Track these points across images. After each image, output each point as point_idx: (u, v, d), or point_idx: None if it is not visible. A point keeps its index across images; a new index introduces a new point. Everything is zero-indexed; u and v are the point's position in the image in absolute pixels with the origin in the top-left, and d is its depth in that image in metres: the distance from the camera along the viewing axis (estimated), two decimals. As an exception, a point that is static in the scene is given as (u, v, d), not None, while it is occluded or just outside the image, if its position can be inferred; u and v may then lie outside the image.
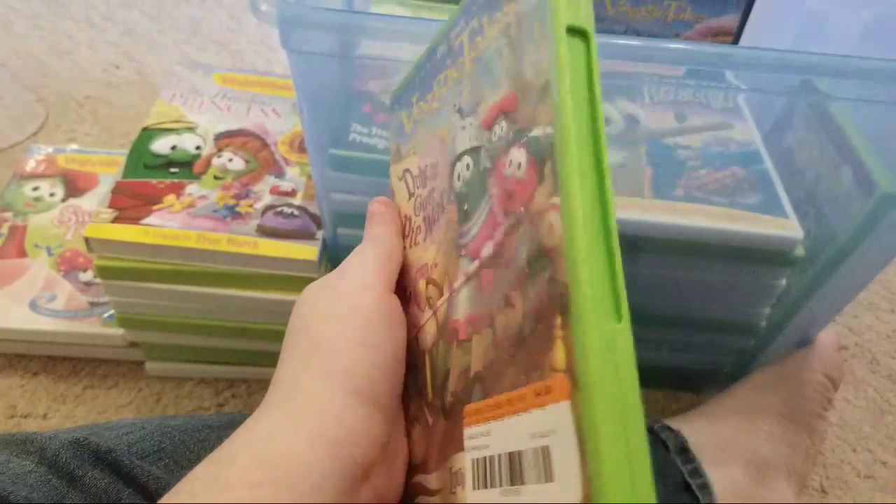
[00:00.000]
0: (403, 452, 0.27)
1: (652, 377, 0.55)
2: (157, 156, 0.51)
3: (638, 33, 0.50)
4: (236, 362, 0.53)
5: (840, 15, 0.51)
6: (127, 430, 0.35)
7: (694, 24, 0.51)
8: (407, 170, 0.33)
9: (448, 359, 0.25)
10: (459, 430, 0.23)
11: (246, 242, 0.45)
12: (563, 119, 0.19)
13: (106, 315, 0.52)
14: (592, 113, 0.19)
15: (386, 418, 0.26)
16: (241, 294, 0.47)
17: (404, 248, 0.31)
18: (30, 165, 0.63)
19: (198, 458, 0.34)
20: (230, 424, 0.38)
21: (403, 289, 0.30)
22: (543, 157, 0.20)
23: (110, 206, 0.47)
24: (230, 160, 0.51)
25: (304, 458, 0.22)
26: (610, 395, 0.16)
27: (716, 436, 0.45)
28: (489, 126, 0.24)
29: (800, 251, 0.42)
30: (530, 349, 0.19)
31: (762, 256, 0.42)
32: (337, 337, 0.25)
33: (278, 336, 0.27)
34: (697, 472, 0.43)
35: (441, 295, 0.27)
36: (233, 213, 0.47)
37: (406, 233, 0.32)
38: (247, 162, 0.51)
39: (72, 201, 0.60)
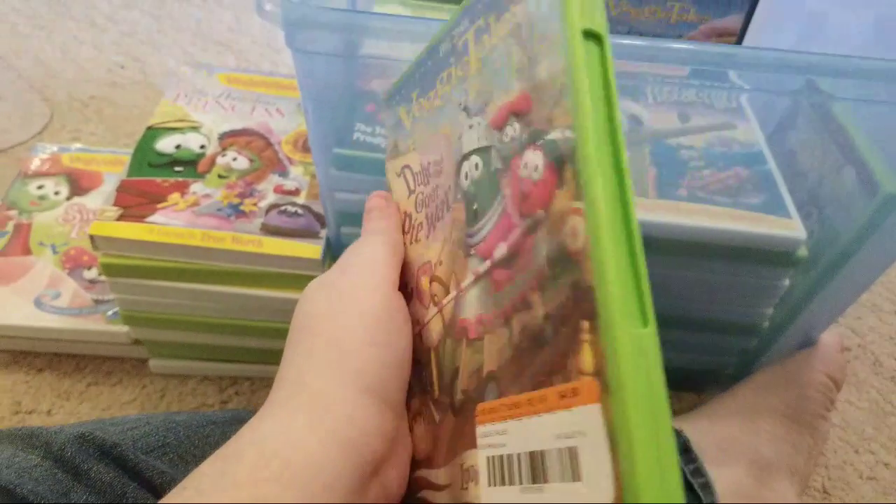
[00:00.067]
0: (408, 447, 0.27)
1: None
2: (162, 154, 0.51)
3: (641, 34, 0.50)
4: (240, 360, 0.53)
5: (841, 15, 0.51)
6: (132, 425, 0.35)
7: (698, 24, 0.51)
8: (406, 166, 0.33)
9: (456, 357, 0.26)
10: (471, 427, 0.23)
11: (250, 241, 0.45)
12: (582, 124, 0.19)
13: (110, 312, 0.52)
14: (610, 116, 0.20)
15: (395, 415, 0.26)
16: (244, 292, 0.47)
17: (404, 244, 0.31)
18: (34, 164, 0.63)
19: (202, 454, 0.34)
20: (234, 420, 0.38)
21: (405, 285, 0.30)
22: (563, 161, 0.20)
23: (115, 205, 0.47)
24: (234, 159, 0.51)
25: (316, 458, 0.22)
26: (641, 399, 0.16)
27: (718, 436, 0.46)
28: (500, 126, 0.25)
29: (803, 252, 0.42)
30: (553, 351, 0.20)
31: (765, 257, 0.42)
32: (346, 336, 0.25)
33: (282, 334, 0.27)
34: (699, 472, 0.43)
35: (447, 293, 0.27)
36: (237, 211, 0.47)
37: (406, 229, 0.32)
38: (251, 161, 0.51)
39: (76, 200, 0.60)
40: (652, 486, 0.16)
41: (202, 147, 0.52)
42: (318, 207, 0.48)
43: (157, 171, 0.50)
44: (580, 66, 0.20)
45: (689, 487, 0.42)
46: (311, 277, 0.30)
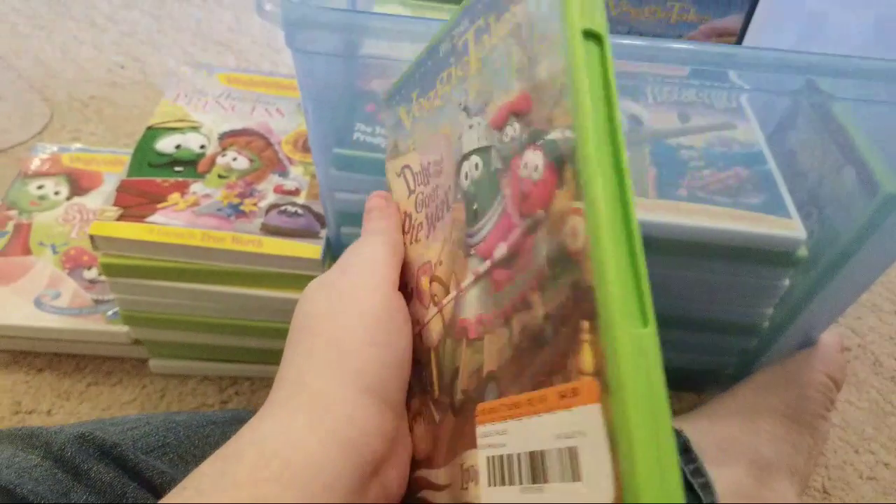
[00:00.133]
0: (408, 446, 0.27)
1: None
2: (162, 154, 0.51)
3: (641, 34, 0.50)
4: (240, 360, 0.53)
5: (841, 16, 0.51)
6: (132, 425, 0.35)
7: (697, 24, 0.51)
8: (406, 166, 0.33)
9: (456, 357, 0.26)
10: (471, 427, 0.23)
11: (250, 241, 0.45)
12: (582, 124, 0.19)
13: (110, 312, 0.52)
14: (610, 117, 0.20)
15: (395, 415, 0.26)
16: (244, 292, 0.47)
17: (405, 244, 0.31)
18: (34, 164, 0.63)
19: (202, 454, 0.34)
20: (234, 420, 0.38)
21: (405, 284, 0.30)
22: (563, 161, 0.20)
23: (115, 204, 0.47)
24: (234, 159, 0.51)
25: (316, 458, 0.22)
26: (641, 399, 0.16)
27: (718, 436, 0.46)
28: (500, 126, 0.25)
29: (803, 252, 0.42)
30: (553, 351, 0.20)
31: (765, 257, 0.42)
32: (346, 335, 0.25)
33: (282, 334, 0.27)
34: (699, 472, 0.43)
35: (447, 293, 0.27)
36: (237, 211, 0.47)
37: (406, 229, 0.32)
38: (251, 161, 0.51)
39: (76, 200, 0.60)
40: (652, 486, 0.16)
41: (202, 147, 0.52)
42: (318, 207, 0.48)
43: (157, 171, 0.50)
44: (580, 66, 0.20)
45: (689, 487, 0.42)
46: (311, 277, 0.30)
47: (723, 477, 0.43)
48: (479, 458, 0.22)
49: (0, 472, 0.30)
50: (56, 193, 0.60)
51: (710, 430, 0.46)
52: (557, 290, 0.20)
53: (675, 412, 0.54)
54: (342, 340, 0.25)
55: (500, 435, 0.22)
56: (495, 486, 0.21)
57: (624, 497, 0.16)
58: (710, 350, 0.51)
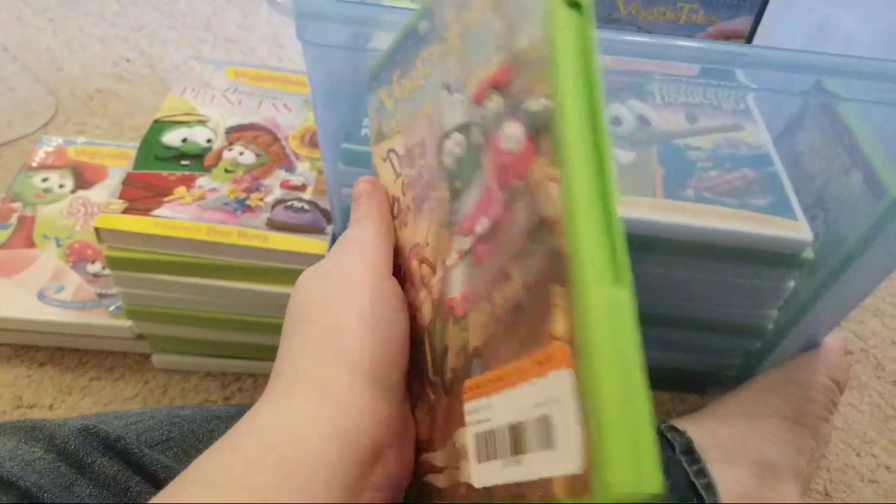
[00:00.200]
0: (412, 432, 0.27)
1: (658, 378, 0.55)
2: (169, 148, 0.51)
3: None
4: (243, 356, 0.53)
5: (851, 22, 0.51)
6: (136, 418, 0.35)
7: (706, 26, 0.51)
8: (392, 149, 0.32)
9: (445, 336, 0.25)
10: (460, 405, 0.23)
11: (256, 236, 0.45)
12: (561, 92, 0.19)
13: (113, 307, 0.52)
14: (589, 84, 0.19)
15: (395, 400, 0.25)
16: (249, 287, 0.47)
17: (395, 228, 0.31)
18: (39, 156, 0.63)
19: (206, 448, 0.34)
20: (239, 415, 0.38)
21: (398, 268, 0.30)
22: (541, 130, 0.20)
23: (121, 197, 0.47)
24: (241, 154, 0.51)
25: (313, 448, 0.22)
26: (611, 361, 0.16)
27: (721, 436, 0.45)
28: (480, 101, 0.24)
29: (809, 254, 0.42)
30: (529, 320, 0.19)
31: (771, 258, 0.42)
32: (340, 322, 0.25)
33: (286, 330, 0.27)
34: (703, 473, 0.43)
35: (434, 273, 0.27)
36: (243, 206, 0.47)
37: (395, 213, 0.31)
38: (257, 156, 0.51)
39: (81, 193, 0.60)
40: (621, 452, 0.15)
41: (209, 141, 0.52)
42: (324, 203, 0.48)
43: (163, 165, 0.50)
44: (560, 33, 0.19)
45: (692, 488, 0.42)
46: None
47: (726, 478, 0.43)
48: (468, 436, 0.22)
49: (3, 465, 0.30)
50: (61, 186, 0.60)
51: (713, 430, 0.46)
52: (534, 259, 0.19)
53: (679, 413, 0.54)
54: (337, 327, 0.25)
55: (486, 410, 0.21)
56: (483, 462, 0.21)
57: (594, 464, 0.15)
58: (714, 351, 0.51)
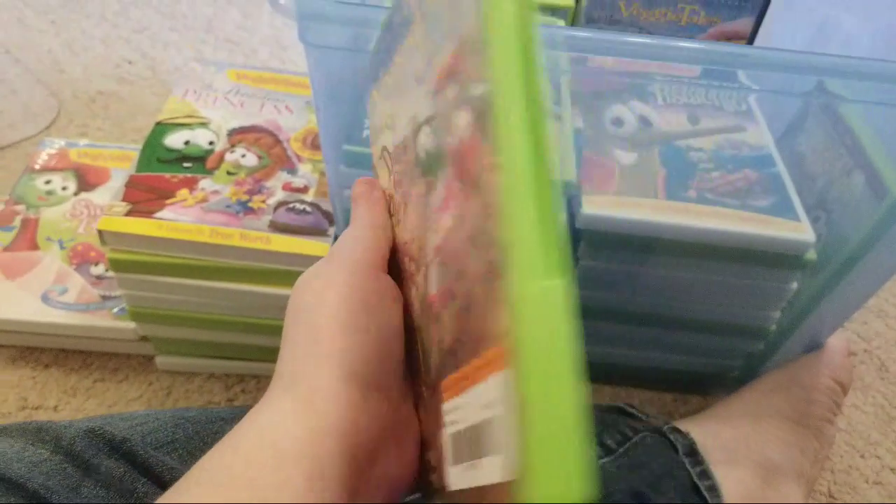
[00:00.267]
0: (414, 431, 0.27)
1: (661, 379, 0.55)
2: (171, 150, 0.51)
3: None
4: (247, 357, 0.53)
5: (852, 23, 0.51)
6: (141, 420, 0.35)
7: (707, 27, 0.51)
8: (384, 147, 0.32)
9: (429, 334, 0.25)
10: (440, 405, 0.23)
11: (258, 238, 0.45)
12: (495, 71, 0.18)
13: (117, 309, 0.52)
14: (526, 62, 0.18)
15: (388, 400, 0.25)
16: (252, 289, 0.47)
17: (392, 226, 0.31)
18: (42, 159, 0.63)
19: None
20: (243, 417, 0.38)
21: (395, 266, 0.30)
22: (483, 115, 0.19)
23: (124, 200, 0.47)
24: (243, 156, 0.51)
25: (306, 447, 0.22)
26: (538, 361, 0.15)
27: (724, 438, 0.45)
28: (441, 90, 0.23)
29: (811, 255, 0.42)
30: (482, 317, 0.19)
31: (773, 259, 0.42)
32: (331, 323, 0.25)
33: (289, 331, 0.27)
34: (706, 474, 0.43)
35: (419, 271, 0.27)
36: (245, 208, 0.47)
37: (392, 212, 0.31)
38: (260, 158, 0.51)
39: (84, 195, 0.60)
40: (547, 462, 0.14)
41: (211, 143, 0.52)
42: (326, 205, 0.48)
43: (165, 167, 0.50)
44: (495, 12, 0.18)
45: (695, 489, 0.42)
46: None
47: (729, 479, 0.43)
48: (446, 437, 0.22)
49: (10, 466, 0.30)
50: (63, 189, 0.61)
51: (716, 432, 0.46)
52: (484, 252, 0.19)
53: (682, 415, 0.54)
54: (322, 328, 0.25)
55: (456, 411, 0.21)
56: (455, 465, 0.21)
57: (524, 470, 0.15)
58: (717, 353, 0.51)
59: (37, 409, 0.52)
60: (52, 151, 0.64)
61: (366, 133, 0.44)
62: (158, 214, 0.46)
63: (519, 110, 0.18)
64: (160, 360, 0.54)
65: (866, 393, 0.58)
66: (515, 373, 0.15)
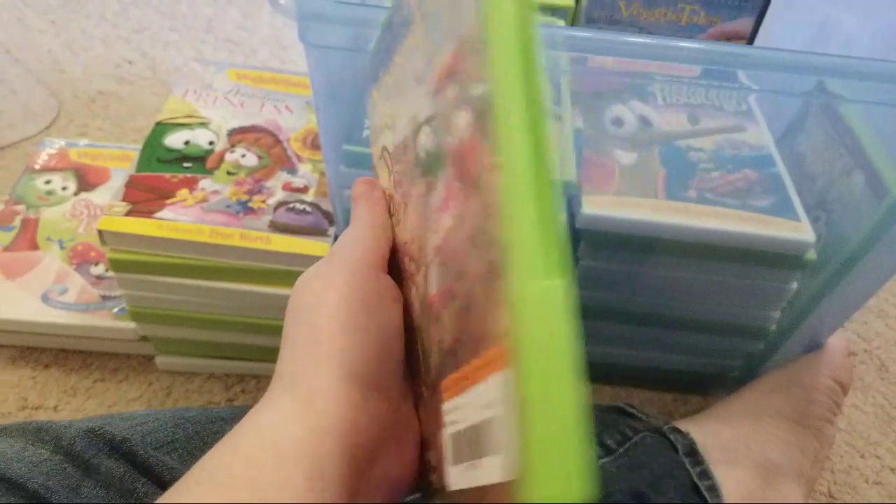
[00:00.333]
0: (413, 430, 0.27)
1: (661, 379, 0.55)
2: (171, 150, 0.51)
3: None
4: (247, 357, 0.53)
5: (852, 22, 0.51)
6: (141, 420, 0.35)
7: (707, 27, 0.51)
8: (384, 147, 0.32)
9: (429, 334, 0.25)
10: (440, 405, 0.23)
11: (258, 238, 0.45)
12: (495, 71, 0.18)
13: (117, 309, 0.52)
14: (526, 62, 0.18)
15: (388, 400, 0.25)
16: (252, 289, 0.47)
17: (393, 227, 0.31)
18: (42, 159, 0.63)
19: (211, 450, 0.34)
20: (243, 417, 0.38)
21: (396, 266, 0.30)
22: (483, 115, 0.19)
23: (124, 200, 0.47)
24: (243, 156, 0.51)
25: (304, 447, 0.22)
26: (538, 361, 0.15)
27: (724, 438, 0.45)
28: (440, 91, 0.23)
29: (811, 255, 0.42)
30: (483, 317, 0.19)
31: (773, 259, 0.42)
32: (331, 323, 0.25)
33: (289, 331, 0.27)
34: (706, 474, 0.43)
35: (419, 271, 0.27)
36: (245, 208, 0.47)
37: (392, 212, 0.31)
38: (260, 158, 0.51)
39: (84, 195, 0.60)
40: (546, 462, 0.14)
41: (211, 143, 0.52)
42: (326, 205, 0.48)
43: (165, 167, 0.50)
44: (496, 11, 0.18)
45: (695, 489, 0.42)
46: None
47: (729, 479, 0.43)
48: (446, 437, 0.22)
49: (10, 466, 0.30)
50: (63, 189, 0.61)
51: (716, 432, 0.46)
52: (485, 251, 0.19)
53: (682, 415, 0.54)
54: (322, 328, 0.25)
55: (456, 411, 0.21)
56: (455, 465, 0.21)
57: (524, 469, 0.15)
58: (717, 353, 0.51)
59: (37, 409, 0.52)
60: (52, 151, 0.64)
61: (366, 133, 0.44)
62: (158, 214, 0.46)
63: (519, 110, 0.18)
64: (160, 360, 0.54)
65: (866, 393, 0.58)
66: (515, 373, 0.15)
